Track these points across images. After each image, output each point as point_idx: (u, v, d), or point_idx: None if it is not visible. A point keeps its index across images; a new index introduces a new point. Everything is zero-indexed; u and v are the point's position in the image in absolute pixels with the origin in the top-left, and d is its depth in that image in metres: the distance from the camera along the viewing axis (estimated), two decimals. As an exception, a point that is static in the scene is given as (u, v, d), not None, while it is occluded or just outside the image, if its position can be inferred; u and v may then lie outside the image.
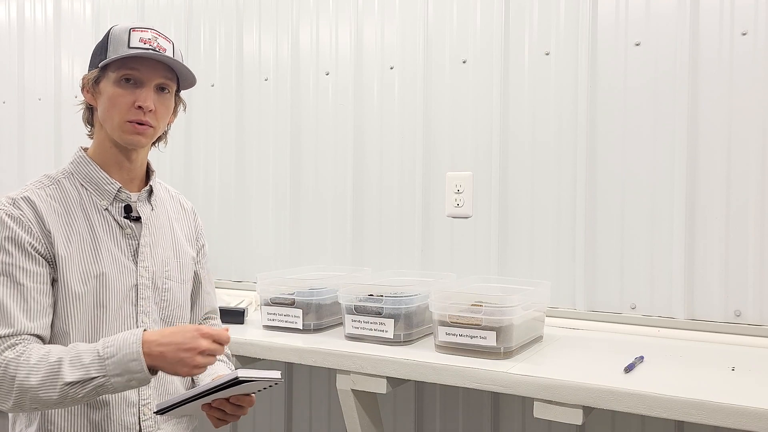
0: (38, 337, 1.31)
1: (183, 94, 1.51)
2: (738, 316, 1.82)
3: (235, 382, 1.25)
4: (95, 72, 1.39)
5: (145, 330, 1.25)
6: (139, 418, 1.39)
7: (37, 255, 1.32)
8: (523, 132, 2.08)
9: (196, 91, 2.63)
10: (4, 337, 1.26)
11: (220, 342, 1.27)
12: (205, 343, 1.24)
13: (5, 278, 1.29)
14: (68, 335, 1.34)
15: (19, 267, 1.30)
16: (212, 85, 2.63)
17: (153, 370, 1.23)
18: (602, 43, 1.97)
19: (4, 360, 1.24)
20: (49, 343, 1.34)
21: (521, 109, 2.08)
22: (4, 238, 1.31)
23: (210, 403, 1.34)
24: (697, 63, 1.86)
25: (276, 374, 1.28)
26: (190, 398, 1.31)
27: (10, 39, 3.18)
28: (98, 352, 1.22)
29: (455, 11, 2.18)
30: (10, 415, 1.42)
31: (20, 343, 1.26)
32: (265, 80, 2.53)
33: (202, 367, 1.24)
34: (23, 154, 3.13)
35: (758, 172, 1.80)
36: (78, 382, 1.21)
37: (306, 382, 2.43)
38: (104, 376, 1.21)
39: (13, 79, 3.15)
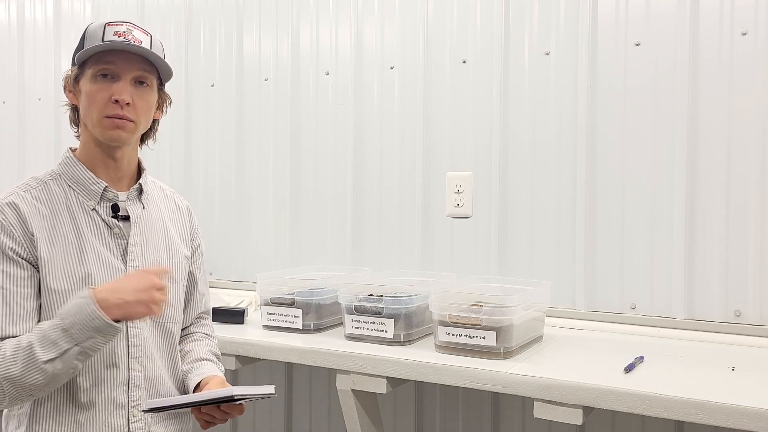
0: None
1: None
2: (738, 316, 1.82)
3: (229, 399, 1.28)
4: (74, 70, 1.38)
5: (92, 288, 1.26)
6: (128, 420, 1.37)
7: (19, 259, 1.31)
8: (523, 132, 2.08)
9: (196, 91, 2.64)
10: None
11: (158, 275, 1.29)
12: (156, 280, 1.28)
13: None
14: None
15: (2, 271, 1.30)
16: (212, 85, 2.63)
17: (118, 320, 1.25)
18: (602, 43, 1.97)
19: None
20: None
21: (521, 109, 2.08)
22: None
23: (200, 408, 1.36)
24: (697, 63, 1.86)
25: (270, 389, 1.30)
26: (182, 404, 1.34)
27: (10, 39, 3.18)
28: (61, 326, 1.23)
29: (455, 11, 2.18)
30: (2, 417, 1.41)
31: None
32: (265, 80, 2.53)
33: (160, 303, 1.28)
34: (23, 154, 3.13)
35: (758, 172, 1.80)
36: (55, 358, 1.22)
37: (306, 382, 2.43)
38: (76, 344, 1.22)
39: (13, 79, 3.15)
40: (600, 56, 1.98)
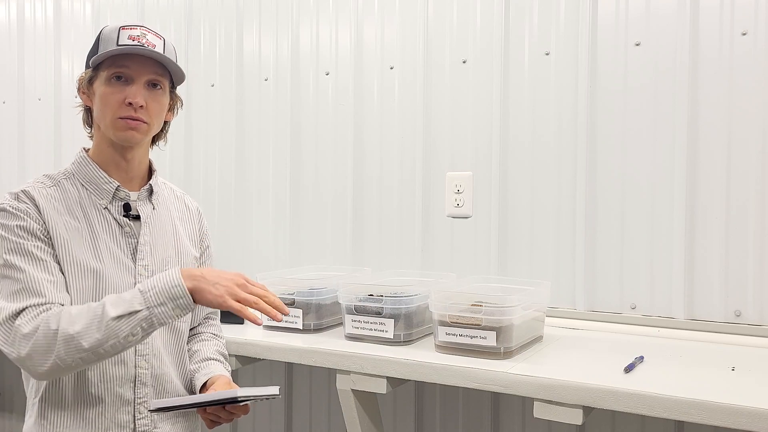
0: None
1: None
2: (738, 316, 1.82)
3: (233, 400, 1.30)
4: (88, 72, 1.41)
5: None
6: (134, 416, 1.39)
7: (47, 239, 1.34)
8: (523, 132, 2.08)
9: (196, 91, 2.64)
10: (38, 305, 1.27)
11: (257, 294, 1.28)
12: (246, 281, 1.29)
13: (26, 257, 1.31)
14: None
15: (36, 246, 1.33)
16: (212, 85, 2.63)
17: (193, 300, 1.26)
18: (602, 43, 1.97)
19: (43, 319, 1.25)
20: None
21: (521, 109, 2.08)
22: (16, 226, 1.33)
23: (205, 408, 1.38)
24: (697, 63, 1.86)
25: (274, 390, 1.32)
26: (187, 405, 1.36)
27: (10, 39, 3.18)
28: (139, 289, 1.26)
29: (455, 11, 2.18)
30: (27, 401, 1.42)
31: (55, 307, 1.28)
32: (265, 80, 2.53)
33: (237, 299, 1.26)
34: (23, 154, 3.13)
35: (758, 172, 1.80)
36: (123, 315, 1.23)
37: (306, 382, 2.43)
38: (147, 308, 1.23)
39: (13, 79, 3.15)
40: (600, 56, 1.98)
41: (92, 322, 1.23)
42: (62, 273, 1.34)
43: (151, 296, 1.24)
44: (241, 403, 1.34)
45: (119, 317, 1.23)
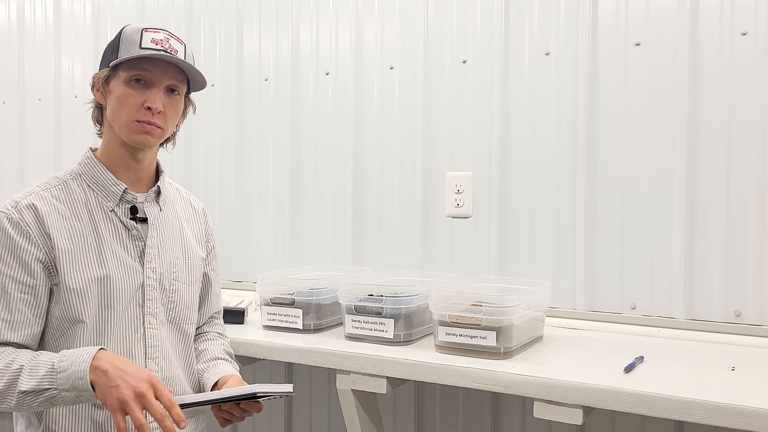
0: (21, 346, 1.32)
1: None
2: (738, 316, 1.82)
3: (252, 396, 1.31)
4: (106, 71, 1.39)
5: (102, 349, 1.25)
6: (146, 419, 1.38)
7: (33, 263, 1.32)
8: (523, 132, 2.08)
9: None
10: None
11: (162, 401, 1.19)
12: (148, 392, 1.19)
13: None
14: (76, 337, 1.34)
15: (11, 277, 1.31)
16: (212, 85, 2.63)
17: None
18: (602, 43, 1.97)
19: None
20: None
21: (521, 109, 2.08)
22: (2, 245, 1.32)
23: (220, 406, 1.38)
24: (697, 63, 1.86)
25: (288, 387, 1.33)
26: (205, 402, 1.36)
27: (10, 39, 3.18)
28: (53, 365, 1.23)
29: (455, 11, 2.18)
30: (13, 414, 1.42)
31: None
32: (265, 80, 2.53)
33: (126, 411, 1.17)
34: (23, 154, 3.13)
35: (758, 172, 1.80)
36: (32, 391, 1.23)
37: (306, 382, 2.43)
38: (55, 389, 1.22)
39: (13, 79, 3.15)
40: (600, 56, 1.98)
41: (8, 386, 1.24)
42: (50, 295, 1.34)
43: (61, 378, 1.21)
44: (260, 399, 1.34)
45: (27, 393, 1.22)
